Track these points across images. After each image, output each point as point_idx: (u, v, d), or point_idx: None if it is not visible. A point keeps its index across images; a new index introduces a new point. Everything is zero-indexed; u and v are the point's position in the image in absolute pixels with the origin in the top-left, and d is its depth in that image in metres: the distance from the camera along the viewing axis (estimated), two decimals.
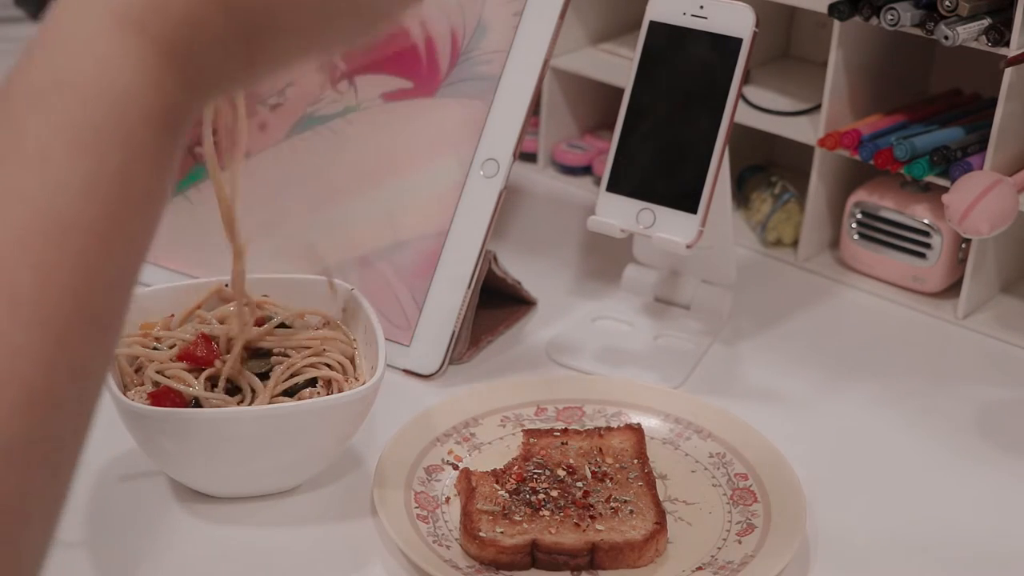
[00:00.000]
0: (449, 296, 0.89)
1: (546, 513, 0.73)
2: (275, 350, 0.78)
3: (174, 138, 0.46)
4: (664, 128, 0.86)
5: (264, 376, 0.77)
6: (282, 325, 0.79)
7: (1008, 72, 0.91)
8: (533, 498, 0.74)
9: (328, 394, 0.76)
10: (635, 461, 0.78)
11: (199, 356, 0.75)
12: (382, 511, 0.73)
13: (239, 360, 0.76)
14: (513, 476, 0.76)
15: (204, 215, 0.97)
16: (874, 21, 0.95)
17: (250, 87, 0.50)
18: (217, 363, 0.75)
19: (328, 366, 0.77)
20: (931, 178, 0.96)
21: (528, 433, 0.81)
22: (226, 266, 0.74)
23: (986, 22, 0.91)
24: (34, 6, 1.49)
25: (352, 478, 0.79)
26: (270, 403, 0.75)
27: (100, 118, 0.43)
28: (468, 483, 0.75)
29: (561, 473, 0.77)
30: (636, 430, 0.81)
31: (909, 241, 1.01)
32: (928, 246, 1.00)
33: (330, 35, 0.49)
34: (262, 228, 0.93)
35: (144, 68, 0.44)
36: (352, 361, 0.79)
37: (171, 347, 0.77)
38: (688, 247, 0.84)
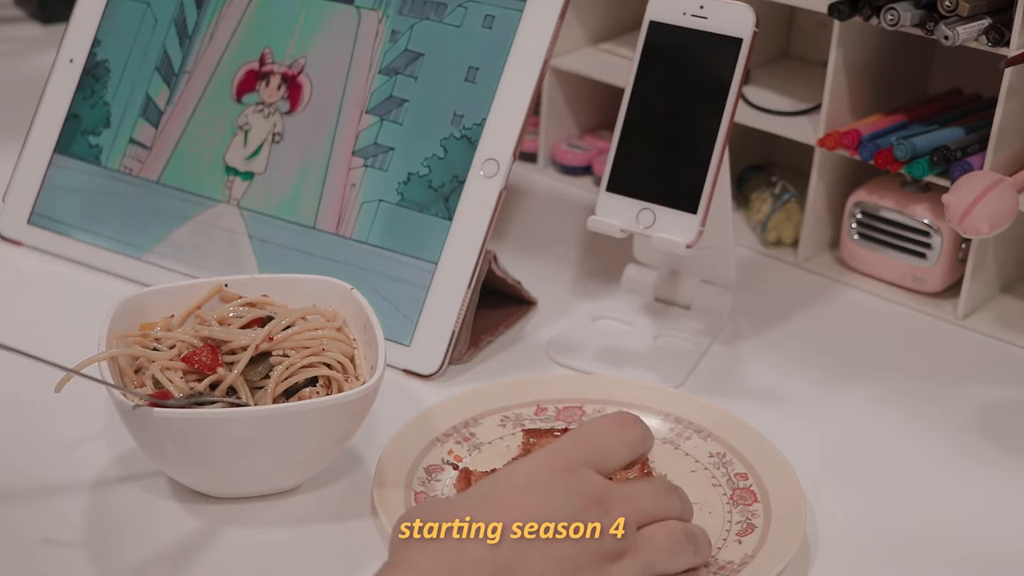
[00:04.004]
0: (449, 296, 0.89)
1: None
2: (275, 351, 0.78)
3: None
4: (664, 128, 0.86)
5: (263, 378, 0.77)
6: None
7: (1008, 72, 0.91)
8: None
9: (328, 394, 0.76)
10: None
11: (202, 361, 0.75)
12: (382, 511, 0.73)
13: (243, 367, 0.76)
14: None
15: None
16: (874, 21, 0.95)
17: None
18: (220, 370, 0.75)
19: (328, 366, 0.77)
20: (931, 178, 0.96)
21: (528, 433, 0.81)
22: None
23: (986, 22, 0.91)
24: (34, 6, 1.50)
25: (352, 478, 0.79)
26: (270, 403, 0.75)
27: None
28: (468, 483, 0.75)
29: None
30: None
31: (909, 241, 1.01)
32: (928, 246, 1.00)
33: None
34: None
35: None
36: (352, 361, 0.79)
37: (171, 347, 0.77)
38: (688, 247, 0.84)
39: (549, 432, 0.81)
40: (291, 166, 0.96)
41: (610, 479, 0.76)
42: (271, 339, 0.78)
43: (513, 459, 0.78)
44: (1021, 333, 0.98)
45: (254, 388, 0.77)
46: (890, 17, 0.93)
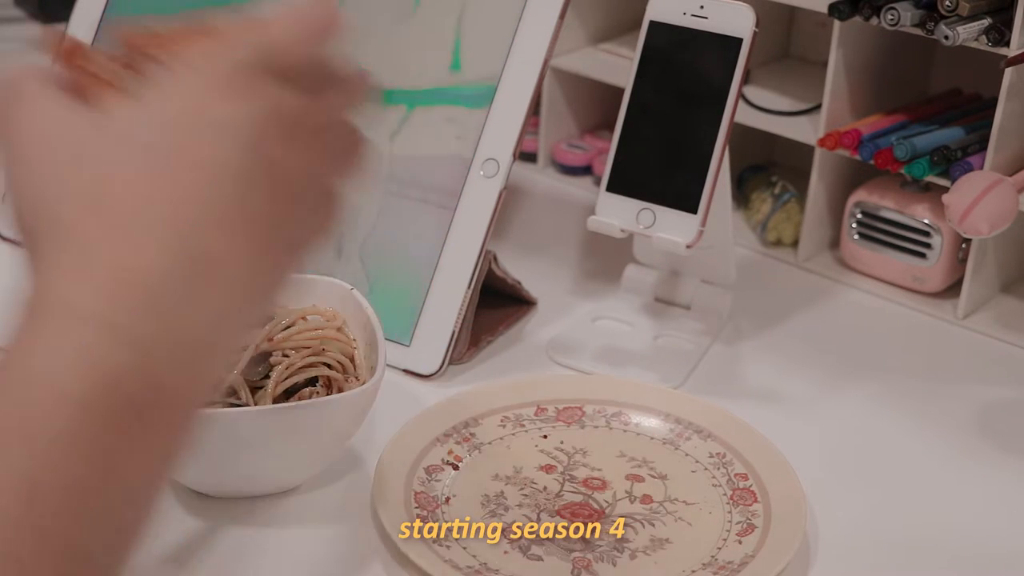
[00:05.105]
0: (449, 296, 0.89)
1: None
2: (275, 351, 0.78)
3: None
4: (664, 128, 0.86)
5: (263, 378, 0.77)
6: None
7: (1008, 72, 0.91)
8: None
9: (328, 394, 0.76)
10: None
11: None
12: (382, 511, 0.73)
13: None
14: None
15: None
16: (874, 21, 0.95)
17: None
18: None
19: (328, 366, 0.77)
20: (931, 178, 0.96)
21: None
22: None
23: (986, 22, 0.91)
24: (34, 6, 1.49)
25: (352, 478, 0.79)
26: (270, 403, 0.75)
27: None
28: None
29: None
30: None
31: (909, 241, 1.01)
32: (928, 246, 1.00)
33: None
34: None
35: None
36: (352, 361, 0.79)
37: None
38: (688, 247, 0.84)
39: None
40: None
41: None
42: (271, 339, 0.78)
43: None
44: (1021, 333, 0.98)
45: (254, 388, 0.76)
46: (890, 17, 0.93)
